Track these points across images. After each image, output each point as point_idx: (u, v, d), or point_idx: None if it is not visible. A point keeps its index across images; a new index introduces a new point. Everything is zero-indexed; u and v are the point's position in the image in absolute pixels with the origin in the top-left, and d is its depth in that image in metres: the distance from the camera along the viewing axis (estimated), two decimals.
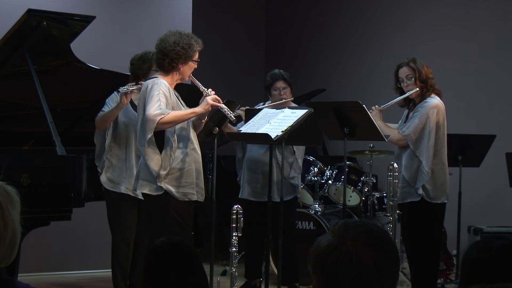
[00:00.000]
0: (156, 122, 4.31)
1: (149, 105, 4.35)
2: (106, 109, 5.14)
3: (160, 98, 4.36)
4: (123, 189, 5.13)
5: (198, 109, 4.51)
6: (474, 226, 6.51)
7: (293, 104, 5.77)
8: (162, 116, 4.32)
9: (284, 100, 5.70)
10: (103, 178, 5.15)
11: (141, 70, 5.11)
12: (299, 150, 5.82)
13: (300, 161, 5.81)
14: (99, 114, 5.14)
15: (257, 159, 5.77)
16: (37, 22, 4.83)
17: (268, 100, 5.91)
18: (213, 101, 4.51)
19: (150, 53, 5.12)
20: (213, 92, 4.58)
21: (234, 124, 5.34)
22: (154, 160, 4.42)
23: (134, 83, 4.97)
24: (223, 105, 4.58)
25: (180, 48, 4.48)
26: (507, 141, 6.52)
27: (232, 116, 4.63)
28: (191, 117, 4.54)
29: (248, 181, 5.79)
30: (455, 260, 6.34)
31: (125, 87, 4.95)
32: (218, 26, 8.92)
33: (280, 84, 5.78)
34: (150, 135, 4.36)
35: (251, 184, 5.78)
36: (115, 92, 5.21)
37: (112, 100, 5.17)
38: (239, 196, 5.84)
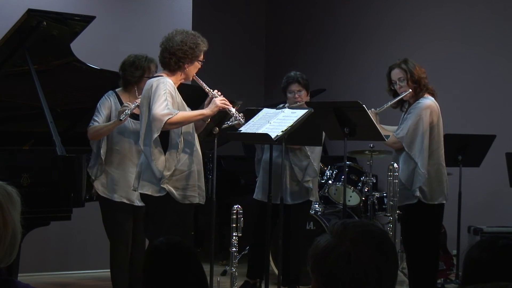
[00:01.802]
0: (164, 122, 4.26)
1: (156, 104, 4.29)
2: (98, 117, 5.06)
3: (167, 97, 4.32)
4: (116, 197, 5.06)
5: (206, 111, 4.47)
6: (474, 226, 6.51)
7: None
8: (170, 116, 4.27)
9: (298, 104, 5.66)
10: (97, 185, 5.11)
11: (133, 77, 5.05)
12: (315, 153, 5.75)
13: (316, 165, 5.73)
14: (91, 124, 5.06)
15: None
16: (37, 22, 4.82)
17: (286, 102, 5.86)
18: (221, 103, 4.49)
19: (142, 58, 5.05)
20: (220, 93, 4.56)
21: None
22: (159, 161, 4.38)
23: (130, 105, 4.90)
24: (231, 108, 4.55)
25: (187, 47, 4.44)
26: (507, 141, 6.52)
27: (242, 120, 4.59)
28: (199, 119, 4.50)
29: (263, 183, 5.77)
30: (455, 260, 6.35)
31: (124, 112, 4.86)
32: (218, 26, 8.91)
33: (295, 87, 5.73)
34: (156, 135, 4.31)
35: (265, 185, 5.76)
36: (105, 96, 5.15)
37: (104, 106, 5.09)
38: (254, 196, 5.83)
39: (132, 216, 5.15)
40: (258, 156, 5.93)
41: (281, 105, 5.74)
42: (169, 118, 4.27)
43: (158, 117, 4.27)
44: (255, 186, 5.89)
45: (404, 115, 5.13)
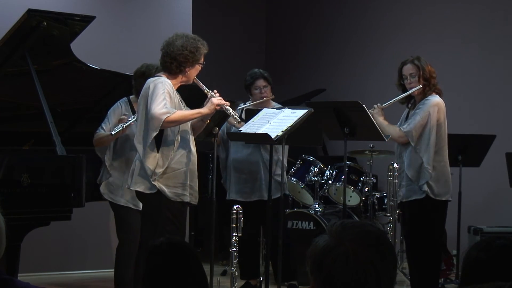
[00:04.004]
0: (162, 120, 4.30)
1: (155, 103, 4.33)
2: (105, 125, 5.15)
3: (165, 97, 4.35)
4: (123, 202, 5.14)
5: (203, 110, 4.50)
6: (474, 226, 6.51)
7: (274, 103, 5.81)
8: (168, 115, 4.31)
9: (265, 99, 5.72)
10: (103, 189, 5.16)
11: (142, 87, 5.08)
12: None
13: (284, 159, 5.80)
14: (97, 132, 5.16)
15: (242, 160, 5.76)
16: (37, 22, 4.82)
17: (248, 100, 5.90)
18: (218, 102, 4.51)
19: (153, 68, 5.04)
20: (218, 94, 4.58)
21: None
22: (151, 158, 4.41)
23: (127, 119, 4.96)
24: (228, 107, 4.58)
25: (188, 52, 4.47)
26: (507, 141, 6.52)
27: (238, 118, 4.65)
28: (197, 118, 4.54)
29: (235, 182, 5.78)
30: (455, 260, 6.34)
31: (118, 126, 4.96)
32: (218, 26, 8.91)
33: (261, 82, 5.80)
34: (155, 133, 4.35)
35: (238, 185, 5.77)
36: (118, 103, 5.21)
37: (114, 114, 5.16)
38: (227, 197, 5.81)
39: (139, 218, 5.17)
40: (222, 156, 5.91)
41: (242, 104, 5.76)
42: (167, 117, 4.31)
43: (156, 116, 4.30)
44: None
45: (410, 111, 5.15)
